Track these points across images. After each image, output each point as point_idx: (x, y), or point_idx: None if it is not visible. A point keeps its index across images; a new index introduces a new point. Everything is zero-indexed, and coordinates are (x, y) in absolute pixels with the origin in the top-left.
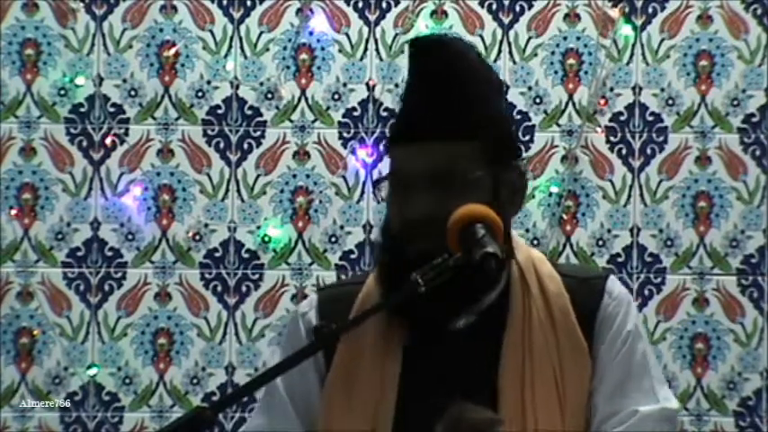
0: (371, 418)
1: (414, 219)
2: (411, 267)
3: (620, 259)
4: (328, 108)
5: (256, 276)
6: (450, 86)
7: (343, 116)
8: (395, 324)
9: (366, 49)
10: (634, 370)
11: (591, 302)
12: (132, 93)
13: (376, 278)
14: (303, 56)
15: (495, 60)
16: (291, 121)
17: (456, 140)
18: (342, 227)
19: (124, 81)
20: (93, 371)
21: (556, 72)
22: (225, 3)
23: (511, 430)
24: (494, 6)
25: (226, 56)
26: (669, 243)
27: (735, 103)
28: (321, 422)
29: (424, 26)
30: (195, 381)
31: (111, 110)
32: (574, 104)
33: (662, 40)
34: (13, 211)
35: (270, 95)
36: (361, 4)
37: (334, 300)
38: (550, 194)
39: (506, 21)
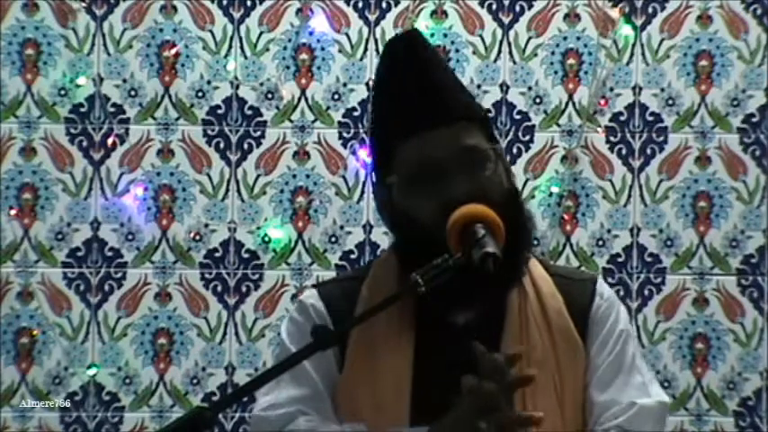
0: (388, 405)
1: (456, 199)
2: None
3: (620, 259)
4: (328, 108)
5: (256, 276)
6: (440, 74)
7: (343, 116)
8: (405, 317)
9: (366, 49)
10: (627, 367)
11: (583, 303)
12: (132, 93)
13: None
14: (303, 56)
15: (495, 60)
16: (291, 121)
17: (464, 121)
18: (342, 227)
19: (124, 81)
20: (93, 371)
21: (556, 72)
22: (225, 3)
23: None
24: (494, 6)
25: (226, 56)
26: (669, 243)
27: (735, 103)
28: (341, 407)
29: (424, 26)
30: (195, 381)
31: (112, 110)
32: (574, 104)
33: (662, 40)
34: (13, 211)
35: (270, 95)
36: (361, 4)
37: (336, 295)
38: (550, 194)
39: (506, 21)
